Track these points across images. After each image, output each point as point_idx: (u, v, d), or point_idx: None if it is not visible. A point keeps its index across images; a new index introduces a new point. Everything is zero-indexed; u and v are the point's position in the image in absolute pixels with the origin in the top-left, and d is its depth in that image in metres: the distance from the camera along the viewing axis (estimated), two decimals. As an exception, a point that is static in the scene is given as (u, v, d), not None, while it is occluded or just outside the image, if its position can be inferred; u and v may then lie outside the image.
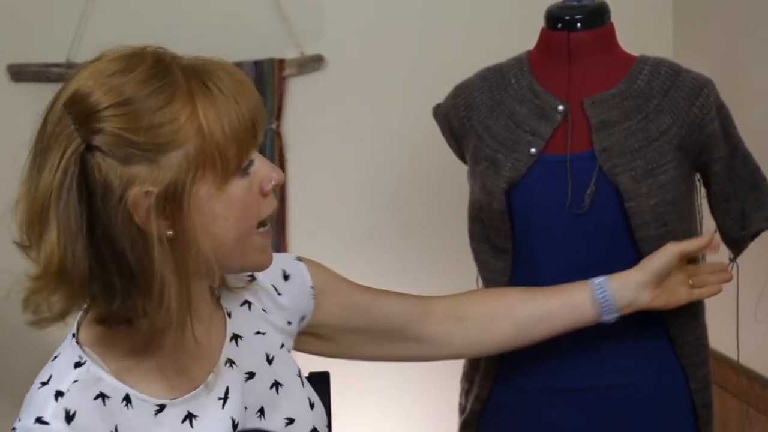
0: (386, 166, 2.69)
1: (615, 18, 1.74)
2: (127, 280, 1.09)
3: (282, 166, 2.61)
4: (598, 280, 1.55)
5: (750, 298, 2.10)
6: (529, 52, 1.78)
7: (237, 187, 1.12)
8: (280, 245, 2.62)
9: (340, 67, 2.65)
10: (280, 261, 1.36)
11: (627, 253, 1.65)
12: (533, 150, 1.68)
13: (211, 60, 1.14)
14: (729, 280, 1.62)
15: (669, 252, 1.55)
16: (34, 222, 1.10)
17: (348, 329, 1.44)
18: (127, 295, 1.09)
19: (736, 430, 2.33)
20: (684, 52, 2.61)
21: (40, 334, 2.76)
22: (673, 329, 1.69)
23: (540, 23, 1.76)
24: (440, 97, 1.84)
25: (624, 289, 1.54)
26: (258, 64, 2.58)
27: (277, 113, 2.61)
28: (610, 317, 1.57)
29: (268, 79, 2.59)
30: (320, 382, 1.55)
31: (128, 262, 1.08)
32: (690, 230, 1.70)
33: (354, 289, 1.45)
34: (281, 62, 2.60)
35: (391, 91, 2.68)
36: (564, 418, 1.72)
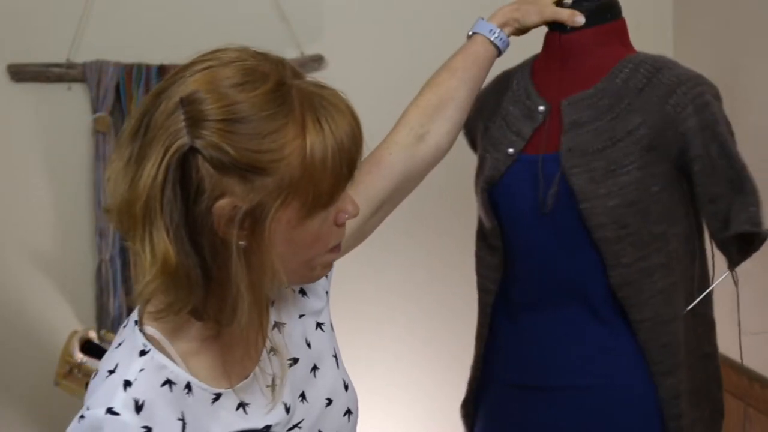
0: (386, 166, 2.69)
1: (615, 18, 1.74)
2: (206, 285, 1.10)
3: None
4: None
5: (751, 297, 2.10)
6: (536, 55, 1.80)
7: (318, 218, 1.13)
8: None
9: (340, 67, 2.65)
10: None
11: (589, 253, 1.64)
12: (511, 150, 1.71)
13: (329, 92, 1.13)
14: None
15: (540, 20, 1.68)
16: (136, 215, 1.08)
17: (369, 215, 1.47)
18: (205, 298, 1.11)
19: (736, 430, 2.33)
20: (684, 52, 2.61)
21: (41, 334, 2.76)
22: (640, 333, 1.65)
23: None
24: (440, 97, 1.84)
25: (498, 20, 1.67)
26: (258, 64, 2.58)
27: (277, 113, 2.61)
28: (502, 39, 1.65)
29: (268, 79, 2.59)
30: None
31: (209, 269, 1.09)
32: (665, 233, 1.64)
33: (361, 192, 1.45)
34: (281, 62, 2.60)
35: (391, 91, 2.68)
36: (532, 414, 1.74)
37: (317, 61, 2.64)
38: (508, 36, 1.66)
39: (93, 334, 2.45)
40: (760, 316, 2.12)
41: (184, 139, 1.06)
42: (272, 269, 1.11)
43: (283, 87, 1.10)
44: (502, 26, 1.66)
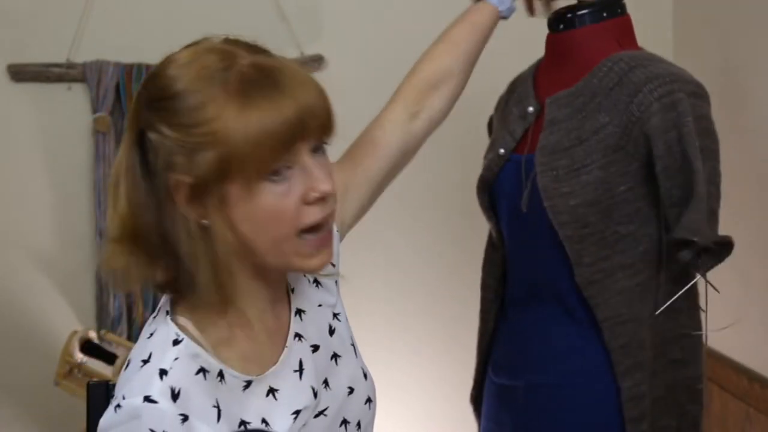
0: (386, 166, 2.69)
1: (615, 18, 1.74)
2: (174, 258, 1.15)
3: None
4: None
5: (751, 297, 2.10)
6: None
7: (267, 192, 1.12)
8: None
9: (340, 67, 2.65)
10: None
11: (560, 253, 1.63)
12: (502, 151, 1.72)
13: (285, 75, 1.13)
14: None
15: None
16: (111, 190, 1.17)
17: (370, 195, 1.50)
18: (173, 271, 1.16)
19: (736, 430, 2.33)
20: (684, 52, 2.61)
21: (41, 334, 2.76)
22: (603, 333, 1.62)
23: (540, 25, 1.77)
24: (440, 97, 1.85)
25: None
26: (258, 64, 2.58)
27: (277, 113, 2.61)
28: (509, 8, 1.66)
29: (268, 79, 2.59)
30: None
31: (173, 242, 1.14)
32: (634, 233, 1.60)
33: (354, 171, 1.46)
34: (281, 62, 2.60)
35: (391, 91, 2.67)
36: (509, 413, 1.76)
37: (317, 61, 2.64)
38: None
39: (93, 334, 2.45)
40: (761, 315, 2.12)
41: (138, 122, 1.15)
42: (225, 242, 1.13)
43: (224, 62, 1.12)
44: None
